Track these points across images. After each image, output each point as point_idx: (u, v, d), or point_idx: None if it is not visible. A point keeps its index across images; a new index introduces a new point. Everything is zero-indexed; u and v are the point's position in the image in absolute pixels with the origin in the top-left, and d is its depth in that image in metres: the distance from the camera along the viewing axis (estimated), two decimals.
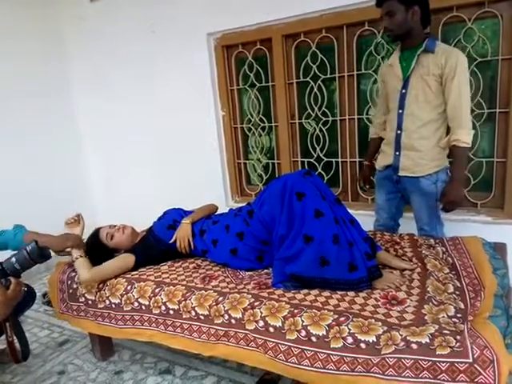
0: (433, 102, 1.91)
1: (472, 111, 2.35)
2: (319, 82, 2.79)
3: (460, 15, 2.28)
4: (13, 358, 1.71)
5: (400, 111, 1.99)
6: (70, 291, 1.94)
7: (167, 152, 3.43)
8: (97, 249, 1.97)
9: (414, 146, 1.98)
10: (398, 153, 2.05)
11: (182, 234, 1.92)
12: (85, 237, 2.00)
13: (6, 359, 2.05)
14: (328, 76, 2.75)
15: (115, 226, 2.05)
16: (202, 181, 3.27)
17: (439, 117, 1.93)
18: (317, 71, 2.77)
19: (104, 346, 2.10)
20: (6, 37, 3.19)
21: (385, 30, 1.93)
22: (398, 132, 2.02)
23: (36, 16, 3.40)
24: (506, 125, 2.32)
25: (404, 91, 1.96)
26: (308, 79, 2.82)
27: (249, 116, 3.16)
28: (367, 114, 2.72)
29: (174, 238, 1.93)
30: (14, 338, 1.60)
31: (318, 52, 2.74)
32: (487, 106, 2.37)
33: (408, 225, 2.25)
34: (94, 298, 1.84)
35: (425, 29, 1.92)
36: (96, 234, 2.03)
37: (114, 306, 1.77)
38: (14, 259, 1.46)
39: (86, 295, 1.86)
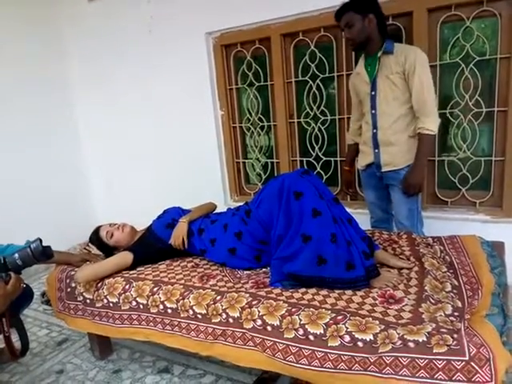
0: (400, 99, 2.02)
1: (470, 110, 2.37)
2: (318, 81, 2.79)
3: (459, 14, 2.28)
4: (10, 354, 1.71)
5: (373, 111, 2.11)
6: (68, 290, 1.94)
7: (166, 151, 3.43)
8: (97, 246, 2.04)
9: (390, 142, 2.09)
10: (377, 150, 2.15)
11: (178, 233, 1.92)
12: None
13: (4, 358, 2.05)
14: (327, 75, 2.75)
15: (115, 224, 2.07)
16: (201, 180, 3.27)
17: (408, 111, 2.03)
18: (315, 70, 2.78)
19: (102, 345, 2.10)
20: (4, 37, 3.19)
21: (347, 40, 2.08)
22: (374, 131, 2.13)
23: (34, 16, 3.40)
24: (504, 124, 2.32)
25: (373, 93, 2.08)
26: (307, 78, 2.82)
27: (248, 115, 3.16)
28: None
29: (171, 239, 1.93)
30: (14, 333, 1.62)
31: (316, 51, 2.74)
32: (486, 104, 2.37)
33: None
34: (91, 296, 1.84)
35: (384, 34, 2.03)
36: (96, 231, 2.06)
37: (111, 304, 1.77)
38: (16, 255, 1.49)
39: (83, 294, 1.86)
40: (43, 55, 3.48)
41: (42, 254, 1.52)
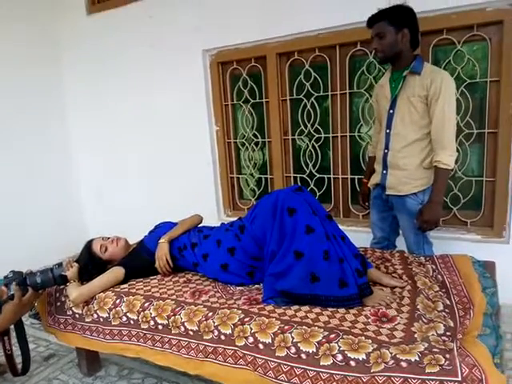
0: (418, 123, 1.92)
1: (462, 131, 2.41)
2: (312, 99, 2.83)
3: (450, 38, 2.35)
4: (12, 372, 1.72)
5: (387, 131, 2.03)
6: (58, 304, 1.91)
7: (160, 165, 3.44)
8: (90, 261, 1.94)
9: (398, 165, 2.00)
10: (385, 171, 2.08)
11: (160, 254, 1.89)
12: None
13: (0, 368, 2.02)
14: (321, 94, 2.79)
15: (108, 237, 2.03)
16: (195, 194, 3.27)
17: (424, 137, 1.94)
18: (310, 89, 2.82)
19: (90, 361, 2.06)
20: (2, 52, 3.21)
21: (375, 51, 1.97)
22: (385, 151, 2.05)
23: (34, 30, 3.43)
24: (494, 145, 2.37)
25: (391, 111, 2.00)
26: (301, 96, 2.86)
27: (242, 131, 3.18)
28: (359, 131, 2.76)
29: (156, 261, 1.91)
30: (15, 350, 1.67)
31: (311, 70, 2.78)
32: (476, 126, 2.41)
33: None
34: (81, 311, 1.81)
35: (414, 50, 1.96)
36: (89, 245, 2.00)
37: (101, 319, 1.74)
38: (38, 273, 1.67)
39: (73, 309, 1.83)
40: (40, 69, 3.51)
41: (60, 277, 1.70)
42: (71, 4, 3.50)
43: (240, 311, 1.50)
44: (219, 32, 2.92)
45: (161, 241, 1.92)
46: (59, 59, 3.64)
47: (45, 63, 3.55)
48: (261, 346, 1.37)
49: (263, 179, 3.19)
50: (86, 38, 3.49)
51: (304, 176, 3.00)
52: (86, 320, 1.79)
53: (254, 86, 3.03)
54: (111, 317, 1.72)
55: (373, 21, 1.90)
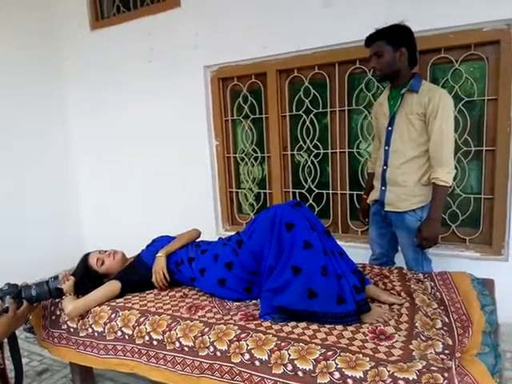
0: (417, 140, 1.93)
1: (460, 148, 2.42)
2: (311, 115, 2.85)
3: (448, 56, 2.38)
4: None
5: (386, 148, 2.04)
6: (53, 317, 1.89)
7: (159, 178, 3.44)
8: (86, 274, 1.93)
9: (397, 182, 2.00)
10: (383, 188, 2.08)
11: (157, 268, 1.88)
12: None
13: None
14: (320, 110, 2.82)
15: (105, 251, 2.02)
16: (193, 208, 3.27)
17: (423, 154, 1.94)
18: (309, 105, 2.85)
19: (84, 377, 2.02)
20: (4, 63, 3.25)
21: (373, 69, 1.98)
22: (384, 168, 2.06)
23: (36, 45, 3.49)
24: (492, 163, 2.38)
25: (390, 128, 2.01)
26: (301, 112, 2.89)
27: (242, 146, 3.20)
28: (357, 147, 2.78)
29: (153, 276, 1.90)
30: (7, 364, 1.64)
31: (310, 87, 2.82)
32: (474, 143, 2.43)
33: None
34: (76, 325, 1.78)
35: (412, 69, 1.98)
36: (85, 259, 1.98)
37: (96, 334, 1.72)
38: (33, 286, 1.64)
39: (68, 323, 1.81)
40: (42, 82, 3.55)
41: (56, 290, 1.67)
42: (75, 19, 3.56)
43: (236, 327, 1.48)
44: (220, 49, 2.97)
45: (158, 255, 1.91)
46: (62, 71, 3.69)
47: (48, 75, 3.60)
48: (257, 362, 1.35)
49: (262, 194, 3.20)
50: (89, 51, 3.55)
51: (303, 191, 3.01)
52: (81, 334, 1.77)
53: (254, 102, 3.06)
54: (106, 331, 1.69)
55: (371, 40, 1.92)
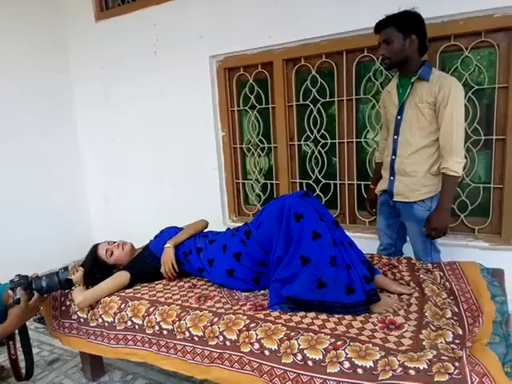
0: (427, 129, 1.90)
1: (469, 137, 2.39)
2: (318, 105, 2.83)
3: (457, 44, 2.34)
4: (15, 377, 1.73)
5: (395, 137, 2.01)
6: (63, 308, 1.91)
7: (166, 169, 3.45)
8: (96, 265, 1.95)
9: (406, 172, 1.98)
10: (392, 178, 2.06)
11: (165, 258, 1.89)
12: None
13: (4, 373, 2.03)
14: (327, 100, 2.79)
15: (114, 242, 2.03)
16: (201, 199, 3.27)
17: (432, 144, 1.92)
18: (316, 95, 2.82)
19: (95, 366, 2.05)
20: (12, 57, 3.25)
21: (382, 57, 1.95)
22: (393, 157, 2.03)
23: (41, 35, 3.48)
24: (502, 152, 2.35)
25: (399, 117, 1.98)
26: (308, 102, 2.86)
27: (248, 137, 3.18)
28: (365, 137, 2.75)
29: (161, 266, 1.91)
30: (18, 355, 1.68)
31: (317, 76, 2.78)
32: (484, 132, 2.40)
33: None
34: (86, 316, 1.80)
35: (422, 57, 1.95)
36: (94, 250, 2.00)
37: (106, 324, 1.74)
38: (44, 277, 1.67)
39: (78, 313, 1.83)
40: (48, 75, 3.54)
41: (66, 281, 1.70)
42: (80, 11, 3.54)
43: (245, 317, 1.49)
44: (226, 38, 2.94)
45: (166, 245, 1.92)
46: (68, 63, 3.69)
47: (54, 67, 3.60)
48: (266, 352, 1.36)
49: (269, 185, 3.19)
50: (94, 43, 3.53)
51: (310, 182, 3.00)
52: (91, 324, 1.79)
53: (261, 92, 3.04)
54: (116, 321, 1.71)
55: (380, 27, 1.89)
